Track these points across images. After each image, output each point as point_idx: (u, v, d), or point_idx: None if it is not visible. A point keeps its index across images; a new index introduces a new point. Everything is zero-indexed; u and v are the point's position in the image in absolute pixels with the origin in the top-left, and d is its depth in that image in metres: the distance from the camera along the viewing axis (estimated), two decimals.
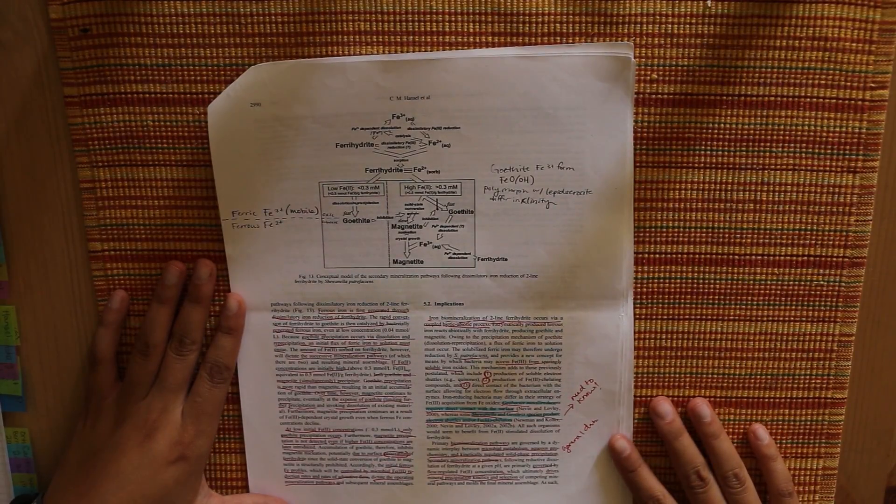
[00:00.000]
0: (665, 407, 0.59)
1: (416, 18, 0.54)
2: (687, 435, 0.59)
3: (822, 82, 0.55)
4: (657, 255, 0.58)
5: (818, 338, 0.59)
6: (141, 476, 0.54)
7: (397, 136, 0.55)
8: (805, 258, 0.57)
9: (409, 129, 0.55)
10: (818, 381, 0.59)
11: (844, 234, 0.57)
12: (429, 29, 0.54)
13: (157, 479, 0.55)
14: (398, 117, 0.55)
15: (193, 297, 0.57)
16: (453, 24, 0.54)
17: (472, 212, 0.56)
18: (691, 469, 0.58)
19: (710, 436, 0.59)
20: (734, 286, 0.58)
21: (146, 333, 0.56)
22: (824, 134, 0.55)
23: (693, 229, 0.57)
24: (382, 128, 0.55)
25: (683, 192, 0.57)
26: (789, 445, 0.60)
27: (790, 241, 0.57)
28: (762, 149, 0.56)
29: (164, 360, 0.56)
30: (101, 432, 0.56)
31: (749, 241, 0.57)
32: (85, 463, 0.56)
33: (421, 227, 0.57)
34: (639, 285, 0.58)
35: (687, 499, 0.59)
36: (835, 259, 0.57)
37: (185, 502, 0.57)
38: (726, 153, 0.56)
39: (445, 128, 0.55)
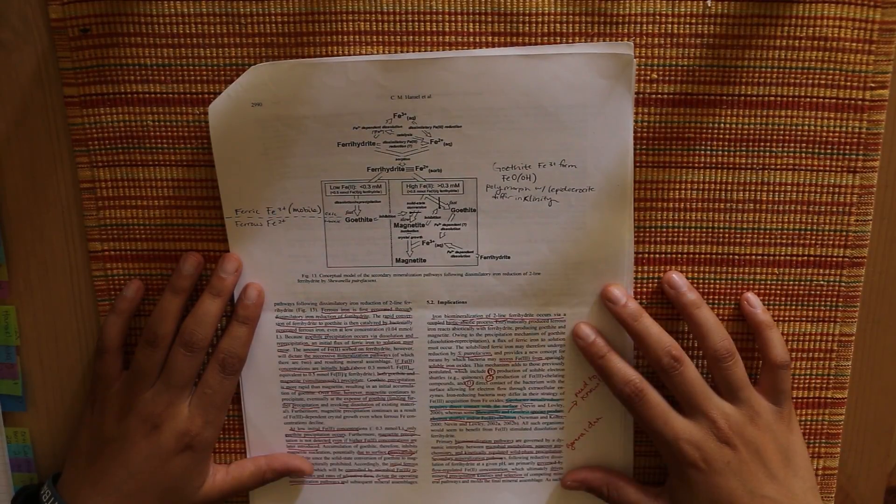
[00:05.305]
0: (616, 292, 0.56)
1: (416, 18, 0.54)
2: (647, 316, 0.56)
3: (822, 82, 0.55)
4: (657, 255, 0.58)
5: (818, 338, 0.59)
6: (150, 466, 0.55)
7: (399, 135, 0.55)
8: (805, 258, 0.57)
9: (411, 128, 0.55)
10: (818, 381, 0.59)
11: (844, 234, 0.57)
12: (429, 29, 0.54)
13: (165, 468, 0.56)
14: (399, 116, 0.55)
15: (215, 290, 0.56)
16: (453, 24, 0.54)
17: (474, 210, 0.56)
18: (661, 350, 0.55)
19: (690, 306, 0.56)
20: (734, 286, 0.58)
21: (155, 323, 0.56)
22: (824, 134, 0.55)
23: (693, 229, 0.57)
24: (384, 127, 0.55)
25: (683, 192, 0.57)
26: None
27: (790, 241, 0.57)
28: (762, 149, 0.56)
29: (172, 354, 0.56)
30: (107, 420, 0.56)
31: (749, 241, 0.57)
32: (95, 451, 0.56)
33: (423, 225, 0.57)
34: (639, 285, 0.58)
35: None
36: (835, 259, 0.57)
37: (195, 486, 0.57)
38: (726, 153, 0.56)
39: (447, 126, 0.55)
